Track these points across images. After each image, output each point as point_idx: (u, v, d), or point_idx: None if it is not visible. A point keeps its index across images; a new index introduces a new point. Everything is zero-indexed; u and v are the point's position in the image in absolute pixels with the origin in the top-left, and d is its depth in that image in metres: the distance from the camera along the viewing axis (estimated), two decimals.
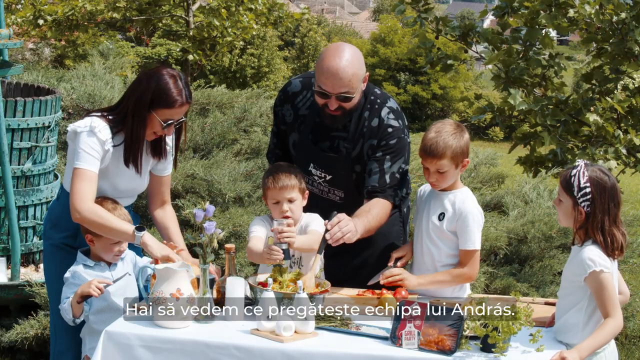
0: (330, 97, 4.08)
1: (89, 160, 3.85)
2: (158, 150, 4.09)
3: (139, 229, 3.80)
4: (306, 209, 4.21)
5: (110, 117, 3.94)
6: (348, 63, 4.04)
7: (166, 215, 4.28)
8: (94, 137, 3.86)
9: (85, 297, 3.79)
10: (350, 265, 4.33)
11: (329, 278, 4.02)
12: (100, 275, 3.93)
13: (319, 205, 4.31)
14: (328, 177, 4.33)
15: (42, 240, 4.30)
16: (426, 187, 4.28)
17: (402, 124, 4.28)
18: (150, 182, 4.21)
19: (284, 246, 3.84)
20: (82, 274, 3.91)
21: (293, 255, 4.01)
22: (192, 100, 7.38)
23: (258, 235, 4.06)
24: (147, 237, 3.82)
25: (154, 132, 3.97)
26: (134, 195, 4.18)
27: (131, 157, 3.97)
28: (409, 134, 4.37)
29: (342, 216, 3.94)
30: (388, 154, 4.23)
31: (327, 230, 3.88)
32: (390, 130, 4.23)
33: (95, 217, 3.82)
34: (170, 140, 4.13)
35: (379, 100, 4.28)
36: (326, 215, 4.10)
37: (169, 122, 3.93)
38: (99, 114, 3.96)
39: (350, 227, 3.93)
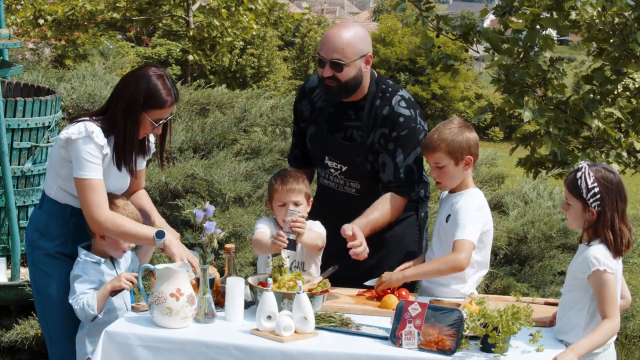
0: (325, 64, 4.15)
1: (94, 168, 3.83)
2: (143, 148, 4.11)
3: (159, 234, 3.80)
4: (322, 204, 4.28)
5: (100, 121, 3.91)
6: (346, 33, 4.15)
7: (138, 197, 4.23)
8: (91, 143, 3.83)
9: (116, 292, 3.82)
10: (362, 267, 4.33)
11: (339, 278, 4.04)
12: (108, 272, 3.95)
13: (335, 199, 4.35)
14: (344, 169, 4.35)
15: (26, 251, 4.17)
16: (445, 192, 4.29)
17: (414, 113, 4.28)
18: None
19: (292, 236, 3.88)
20: (93, 270, 3.92)
21: (297, 249, 4.04)
22: (192, 100, 7.41)
23: (263, 230, 4.11)
24: (169, 240, 3.82)
25: (144, 132, 3.99)
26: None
27: (124, 160, 3.96)
28: (425, 122, 4.37)
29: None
30: (399, 146, 4.24)
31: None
32: (401, 119, 4.24)
33: (114, 227, 3.84)
34: (152, 137, 4.15)
35: (390, 89, 4.31)
36: (343, 209, 4.19)
37: (160, 121, 3.96)
38: (88, 118, 3.92)
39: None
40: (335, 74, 4.16)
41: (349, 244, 3.97)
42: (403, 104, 4.27)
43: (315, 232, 4.11)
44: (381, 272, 4.17)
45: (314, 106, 4.41)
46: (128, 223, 3.87)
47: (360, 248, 3.97)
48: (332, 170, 4.38)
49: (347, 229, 3.99)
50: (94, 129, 3.86)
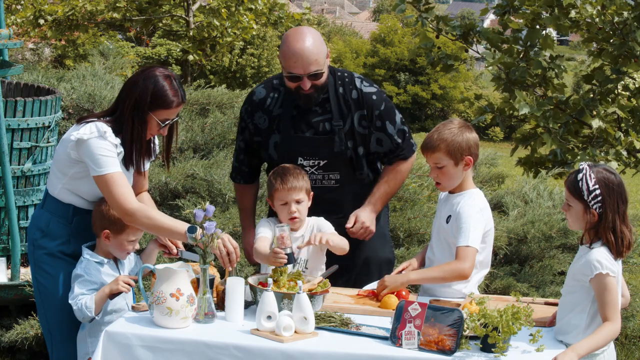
0: (302, 78, 4.22)
1: (112, 162, 3.83)
2: (149, 149, 4.11)
3: (191, 229, 3.77)
4: None
5: (109, 122, 3.91)
6: (311, 42, 4.22)
7: (141, 200, 4.19)
8: (105, 141, 3.83)
9: (114, 295, 3.82)
10: (348, 256, 4.37)
11: (333, 274, 4.05)
12: (111, 273, 3.95)
13: (315, 195, 4.32)
14: (322, 163, 4.37)
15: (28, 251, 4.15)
16: (445, 192, 4.28)
17: (376, 86, 4.47)
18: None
19: (288, 250, 3.88)
20: (95, 270, 3.91)
21: (297, 261, 4.08)
22: (192, 100, 7.41)
23: (264, 235, 4.11)
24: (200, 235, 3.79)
25: (150, 133, 3.99)
26: None
27: (133, 160, 3.96)
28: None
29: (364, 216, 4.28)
30: (386, 120, 4.40)
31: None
32: (374, 97, 4.39)
33: (147, 219, 3.83)
34: (156, 138, 4.15)
35: (346, 74, 4.44)
36: (324, 203, 4.28)
37: (166, 122, 3.96)
38: (96, 118, 3.91)
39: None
40: (313, 84, 4.24)
41: (351, 231, 4.26)
42: (365, 82, 4.42)
43: (341, 237, 4.17)
44: (366, 260, 4.30)
45: (271, 115, 4.40)
46: (160, 216, 3.86)
47: (356, 227, 4.27)
48: (308, 169, 4.39)
49: (349, 222, 4.26)
50: (106, 129, 3.86)
